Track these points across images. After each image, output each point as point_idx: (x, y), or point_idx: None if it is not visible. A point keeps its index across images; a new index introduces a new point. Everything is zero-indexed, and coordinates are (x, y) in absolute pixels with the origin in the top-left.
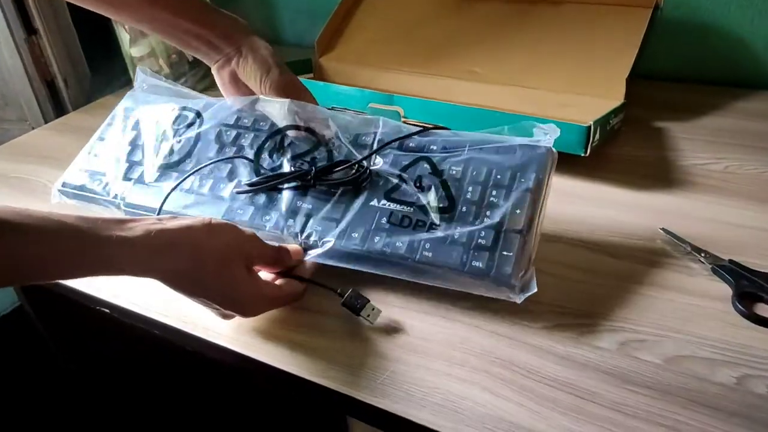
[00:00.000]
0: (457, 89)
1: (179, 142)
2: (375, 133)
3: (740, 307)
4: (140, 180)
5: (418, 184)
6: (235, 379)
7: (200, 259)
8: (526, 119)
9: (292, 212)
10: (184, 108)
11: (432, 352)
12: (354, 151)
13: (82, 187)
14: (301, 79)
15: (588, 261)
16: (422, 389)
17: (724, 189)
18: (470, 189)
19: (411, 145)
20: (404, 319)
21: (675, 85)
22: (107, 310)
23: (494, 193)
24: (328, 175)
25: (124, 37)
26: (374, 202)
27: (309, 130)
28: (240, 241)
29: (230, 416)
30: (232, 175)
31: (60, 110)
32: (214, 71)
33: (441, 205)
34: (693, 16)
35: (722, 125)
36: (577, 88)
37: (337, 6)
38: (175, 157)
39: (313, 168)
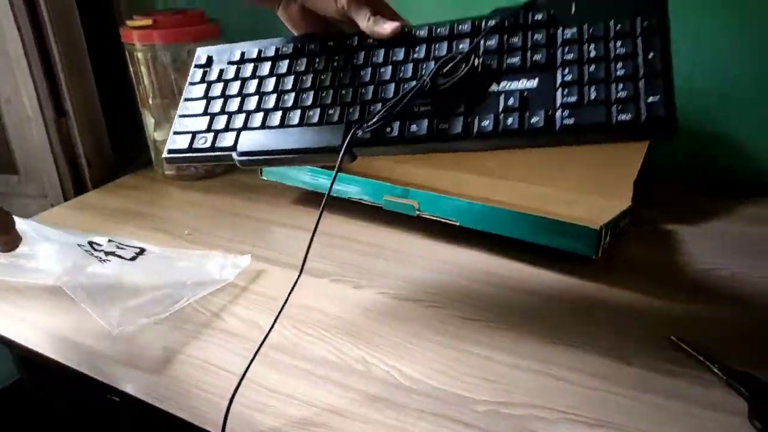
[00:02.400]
0: (469, 183)
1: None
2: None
3: (757, 423)
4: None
5: (534, 58)
6: None
7: None
8: (535, 218)
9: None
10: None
11: None
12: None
13: (189, 149)
14: (318, 169)
15: (602, 367)
16: None
17: (732, 296)
18: (592, 47)
19: (514, 21)
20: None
21: (684, 189)
22: (117, 399)
23: (619, 43)
24: (438, 79)
25: (149, 121)
26: (494, 87)
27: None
28: None
29: None
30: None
31: (80, 188)
32: (280, 13)
33: (567, 74)
34: (700, 123)
35: (731, 230)
36: (585, 187)
37: None
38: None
39: (426, 81)
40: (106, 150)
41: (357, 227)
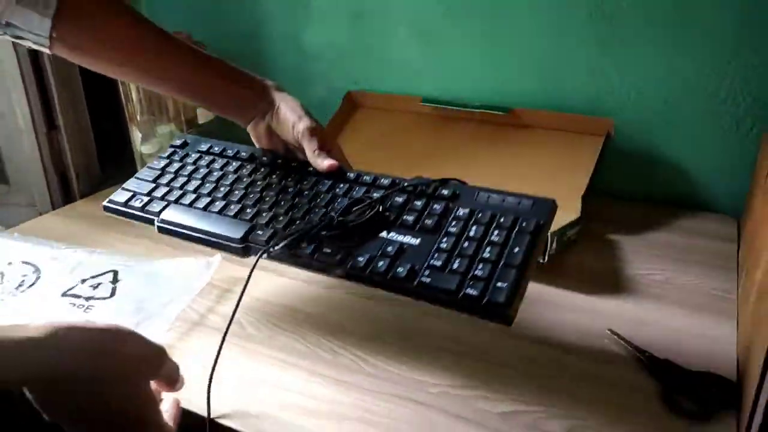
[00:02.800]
0: None
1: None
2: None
3: (666, 403)
4: (180, 202)
5: (425, 222)
6: None
7: (103, 367)
8: None
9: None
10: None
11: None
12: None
13: (124, 204)
14: None
15: (545, 356)
16: None
17: (664, 297)
18: (474, 228)
19: (424, 188)
20: (377, 401)
21: (627, 203)
22: None
23: (496, 232)
24: (348, 216)
25: (136, 136)
26: (383, 234)
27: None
28: (150, 353)
29: None
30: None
31: (68, 199)
32: (249, 129)
33: (444, 242)
34: (640, 145)
35: (667, 240)
36: None
37: (329, 120)
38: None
39: (334, 216)
40: (94, 163)
41: None
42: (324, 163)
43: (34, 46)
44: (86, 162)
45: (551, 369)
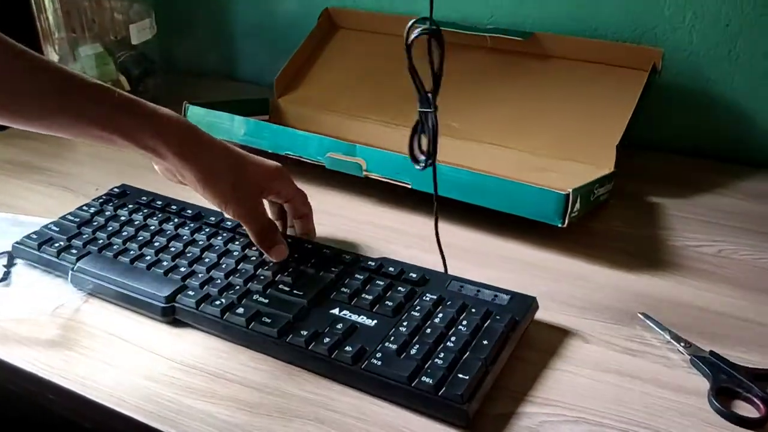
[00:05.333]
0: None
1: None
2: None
3: (716, 404)
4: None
5: (385, 304)
6: None
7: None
8: (500, 182)
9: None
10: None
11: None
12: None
13: (38, 248)
14: (256, 119)
15: (557, 344)
16: None
17: (715, 274)
18: (440, 315)
19: (390, 270)
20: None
21: (672, 157)
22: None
23: (465, 322)
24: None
25: (52, 57)
26: (335, 311)
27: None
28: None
29: None
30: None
31: None
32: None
33: (404, 325)
34: (694, 84)
35: (720, 205)
36: (561, 152)
37: (301, 43)
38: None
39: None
40: None
41: None
42: (272, 255)
43: None
44: None
45: (567, 360)
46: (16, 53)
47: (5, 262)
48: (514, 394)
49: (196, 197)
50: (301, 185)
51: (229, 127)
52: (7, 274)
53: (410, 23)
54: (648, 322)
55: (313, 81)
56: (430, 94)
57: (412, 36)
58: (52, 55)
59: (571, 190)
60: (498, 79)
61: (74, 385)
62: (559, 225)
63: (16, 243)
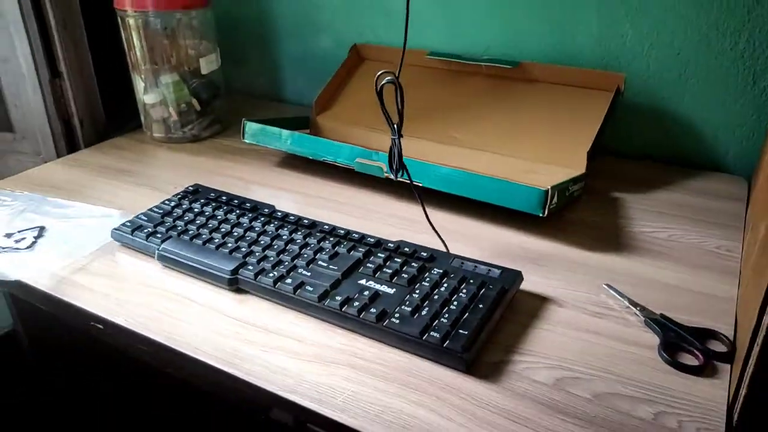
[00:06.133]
0: (437, 151)
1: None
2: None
3: (665, 355)
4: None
5: (402, 275)
6: (207, 398)
7: None
8: (493, 180)
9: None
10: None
11: (389, 377)
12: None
13: (131, 233)
14: (299, 133)
15: (538, 308)
16: (376, 407)
17: (666, 254)
18: (445, 285)
19: (405, 249)
20: (374, 351)
21: (632, 161)
22: (101, 326)
23: (464, 291)
24: (331, 263)
25: (139, 85)
26: (362, 281)
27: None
28: None
29: None
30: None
31: (73, 147)
32: None
33: (416, 293)
34: (651, 102)
35: (670, 199)
36: (544, 157)
37: (335, 72)
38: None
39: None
40: (98, 111)
41: (333, 188)
42: None
43: None
44: (90, 110)
45: (545, 321)
46: None
47: (36, 234)
48: (503, 347)
49: (255, 195)
50: (333, 184)
51: (278, 139)
52: (33, 244)
53: (378, 74)
54: (611, 291)
55: (343, 102)
56: (396, 125)
57: (381, 84)
58: (139, 83)
59: (549, 187)
60: (492, 99)
61: (160, 337)
62: (541, 215)
63: (114, 229)
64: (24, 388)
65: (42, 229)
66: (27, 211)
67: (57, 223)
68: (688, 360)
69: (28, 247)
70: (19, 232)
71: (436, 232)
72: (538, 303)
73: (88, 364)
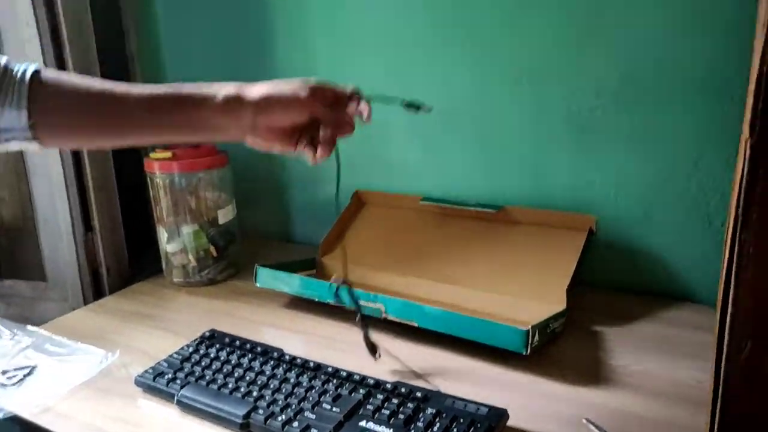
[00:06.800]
0: (433, 289)
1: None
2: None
3: None
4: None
5: (399, 417)
6: None
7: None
8: (479, 321)
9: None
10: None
11: None
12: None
13: (153, 380)
14: (306, 276)
15: None
16: None
17: (641, 387)
18: (438, 424)
19: (402, 390)
20: None
21: (611, 293)
22: None
23: (455, 430)
24: (334, 405)
25: (163, 236)
26: (362, 423)
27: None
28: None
29: None
30: None
31: (98, 292)
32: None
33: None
34: (621, 240)
35: (646, 332)
36: (526, 293)
37: (339, 215)
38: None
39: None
40: (124, 261)
41: (337, 327)
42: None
43: (20, 146)
44: (117, 260)
45: None
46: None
47: (26, 373)
48: None
49: (265, 337)
50: (336, 324)
51: (288, 282)
52: (21, 381)
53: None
54: (590, 426)
55: (347, 243)
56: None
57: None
58: (162, 234)
59: (530, 327)
60: (480, 239)
61: None
62: (524, 353)
63: (138, 375)
64: None
65: (33, 368)
66: (30, 347)
67: (49, 362)
68: None
69: (14, 384)
70: (14, 369)
71: (423, 377)
72: None
73: None
